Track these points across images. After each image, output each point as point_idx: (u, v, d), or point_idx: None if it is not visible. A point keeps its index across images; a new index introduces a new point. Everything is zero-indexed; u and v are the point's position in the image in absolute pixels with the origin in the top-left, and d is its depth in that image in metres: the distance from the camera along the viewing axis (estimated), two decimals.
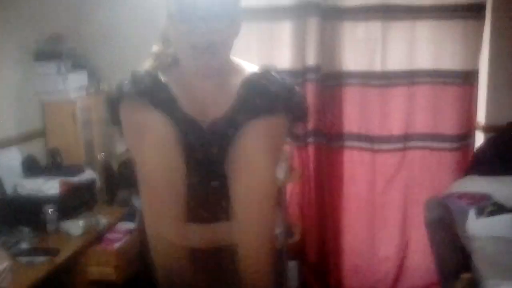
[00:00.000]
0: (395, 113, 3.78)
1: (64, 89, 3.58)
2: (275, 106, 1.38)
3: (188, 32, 1.32)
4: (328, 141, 3.83)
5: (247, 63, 1.51)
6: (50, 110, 3.65)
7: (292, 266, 3.73)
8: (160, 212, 1.41)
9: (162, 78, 1.41)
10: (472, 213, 3.01)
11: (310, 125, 3.75)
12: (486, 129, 3.69)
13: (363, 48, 3.75)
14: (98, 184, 3.63)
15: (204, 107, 1.42)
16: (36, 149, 3.59)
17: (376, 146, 3.80)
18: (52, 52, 3.59)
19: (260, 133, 1.37)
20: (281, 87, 1.40)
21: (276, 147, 1.43)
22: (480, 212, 3.00)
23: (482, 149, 3.60)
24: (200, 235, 1.47)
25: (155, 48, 1.49)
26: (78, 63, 3.78)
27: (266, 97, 1.38)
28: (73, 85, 3.62)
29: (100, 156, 3.86)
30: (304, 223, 3.89)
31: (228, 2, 1.34)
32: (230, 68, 1.45)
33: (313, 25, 3.71)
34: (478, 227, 2.94)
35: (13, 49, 3.44)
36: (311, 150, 3.84)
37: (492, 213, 2.98)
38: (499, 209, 2.99)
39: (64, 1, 3.89)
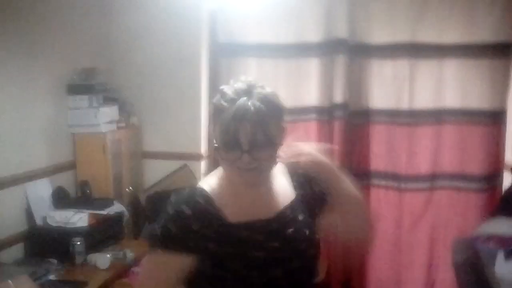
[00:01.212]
0: (422, 152, 3.76)
1: (96, 122, 3.64)
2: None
3: (234, 160, 1.42)
4: (355, 178, 3.81)
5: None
6: (81, 142, 3.72)
7: None
8: None
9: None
10: (500, 256, 2.97)
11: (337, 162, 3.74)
12: None
13: (390, 86, 3.77)
14: (126, 217, 3.66)
15: (266, 202, 1.55)
16: (66, 181, 3.65)
17: (403, 185, 3.79)
18: (84, 85, 3.66)
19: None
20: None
21: None
22: (509, 255, 2.95)
23: (510, 190, 3.56)
24: None
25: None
26: (109, 97, 3.85)
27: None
28: (104, 119, 3.69)
29: (128, 189, 3.90)
30: (330, 260, 3.86)
31: (271, 130, 1.42)
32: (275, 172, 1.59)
33: (340, 62, 3.75)
34: (506, 270, 2.89)
35: (46, 82, 3.51)
36: None
37: None
38: None
39: (98, 35, 3.99)
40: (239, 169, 1.43)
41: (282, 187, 1.59)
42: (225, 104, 1.41)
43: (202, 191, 1.53)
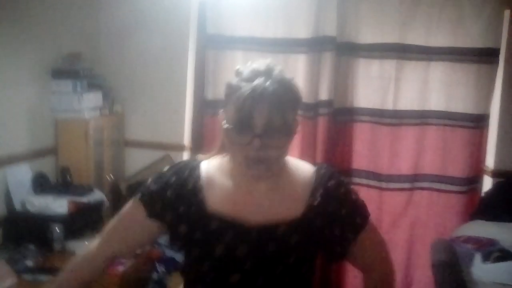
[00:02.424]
0: (405, 153, 3.79)
1: (79, 108, 3.60)
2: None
3: (243, 144, 1.31)
4: None
5: (300, 161, 1.53)
6: (63, 128, 3.67)
7: None
8: None
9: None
10: (478, 258, 3.00)
11: (319, 159, 3.76)
12: (495, 174, 3.70)
13: (376, 86, 3.79)
14: (106, 205, 3.63)
15: (259, 208, 1.41)
16: (47, 166, 3.61)
17: (384, 184, 3.82)
18: (68, 70, 3.62)
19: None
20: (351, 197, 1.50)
21: None
22: (487, 258, 2.99)
23: (490, 193, 3.60)
24: None
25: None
26: (94, 83, 3.81)
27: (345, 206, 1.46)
28: (88, 105, 3.65)
29: (109, 177, 3.87)
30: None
31: (287, 115, 1.32)
32: (284, 170, 1.45)
33: (327, 59, 3.76)
34: (484, 272, 2.92)
35: (30, 66, 3.46)
36: None
37: (498, 259, 2.96)
38: (505, 255, 2.98)
39: (83, 20, 3.94)
40: (247, 158, 1.33)
41: (291, 195, 1.43)
42: (241, 83, 1.32)
43: (197, 169, 1.47)
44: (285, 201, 1.42)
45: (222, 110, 1.40)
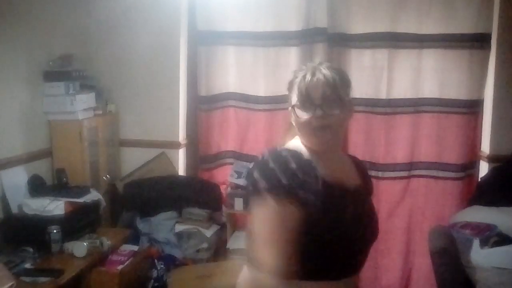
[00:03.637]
0: (400, 141, 3.79)
1: (72, 109, 3.59)
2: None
3: (308, 117, 1.53)
4: None
5: None
6: (57, 130, 3.67)
7: None
8: None
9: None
10: (476, 244, 3.01)
11: None
12: (491, 159, 3.69)
13: (369, 75, 3.79)
14: (103, 205, 3.62)
15: (348, 174, 1.65)
16: (42, 168, 3.60)
17: (380, 173, 3.82)
18: (60, 72, 3.61)
19: None
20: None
21: None
22: (485, 243, 3.00)
23: (487, 179, 3.60)
24: None
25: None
26: (86, 84, 3.80)
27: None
28: (81, 106, 3.64)
29: (105, 177, 3.87)
30: None
31: (340, 91, 1.53)
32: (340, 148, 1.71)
33: (319, 50, 3.76)
34: (482, 257, 2.94)
35: (22, 69, 3.45)
36: None
37: (496, 244, 2.97)
38: (503, 240, 2.99)
39: (75, 23, 3.93)
40: (313, 128, 1.53)
41: (350, 169, 1.69)
42: (298, 72, 1.58)
43: (297, 150, 1.54)
44: (350, 171, 1.67)
45: (289, 101, 1.61)
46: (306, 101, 1.54)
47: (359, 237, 1.56)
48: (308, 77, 1.55)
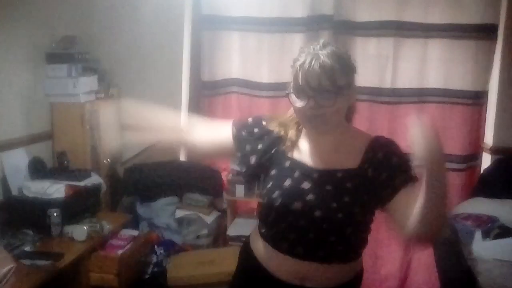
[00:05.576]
0: (403, 131, 3.75)
1: (74, 92, 3.58)
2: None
3: (301, 106, 1.57)
4: None
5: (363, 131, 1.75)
6: (58, 112, 3.65)
7: None
8: None
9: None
10: (478, 235, 2.99)
11: None
12: (494, 151, 3.67)
13: (374, 64, 3.75)
14: (103, 189, 3.61)
15: (323, 157, 1.67)
16: (43, 151, 3.59)
17: None
18: (63, 54, 3.59)
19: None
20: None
21: None
22: (487, 235, 2.98)
23: (490, 171, 3.59)
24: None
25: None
26: (89, 67, 3.78)
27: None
28: (83, 89, 3.62)
29: (106, 161, 3.85)
30: None
31: (337, 80, 1.53)
32: (345, 130, 1.69)
33: (324, 38, 3.70)
34: (483, 249, 2.92)
35: (24, 51, 3.43)
36: None
37: (498, 236, 2.96)
38: (505, 232, 2.97)
39: (78, 4, 3.90)
40: (306, 116, 1.57)
41: (348, 152, 1.65)
42: (299, 55, 1.56)
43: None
44: (345, 154, 1.65)
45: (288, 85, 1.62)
46: (300, 90, 1.55)
47: (301, 213, 1.60)
48: (305, 65, 1.53)
